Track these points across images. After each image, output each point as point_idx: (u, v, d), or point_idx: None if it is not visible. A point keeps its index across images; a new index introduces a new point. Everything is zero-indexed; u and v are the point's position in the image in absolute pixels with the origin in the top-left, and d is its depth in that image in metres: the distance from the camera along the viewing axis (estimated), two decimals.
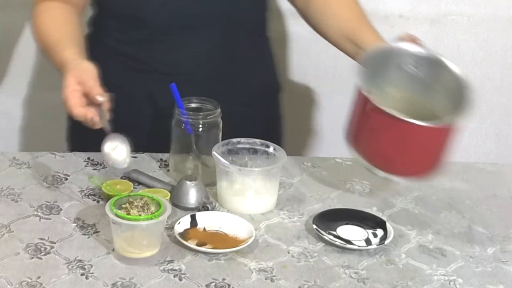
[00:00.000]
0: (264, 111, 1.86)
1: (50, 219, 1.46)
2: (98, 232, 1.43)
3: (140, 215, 1.34)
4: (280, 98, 1.92)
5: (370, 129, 1.45)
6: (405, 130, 1.40)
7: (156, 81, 1.70)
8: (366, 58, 1.50)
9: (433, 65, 1.53)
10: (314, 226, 1.45)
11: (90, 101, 1.45)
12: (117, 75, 1.72)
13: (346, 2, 1.74)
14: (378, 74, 1.49)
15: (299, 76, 2.33)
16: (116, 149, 1.46)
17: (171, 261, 1.36)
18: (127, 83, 1.73)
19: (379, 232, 1.46)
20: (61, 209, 1.50)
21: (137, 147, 1.70)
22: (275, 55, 1.91)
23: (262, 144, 1.58)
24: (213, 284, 1.31)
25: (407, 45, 1.54)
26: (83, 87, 1.45)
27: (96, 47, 1.74)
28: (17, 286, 1.28)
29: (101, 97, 1.44)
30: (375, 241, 1.44)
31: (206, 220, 1.45)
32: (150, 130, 1.76)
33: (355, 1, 1.75)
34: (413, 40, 1.55)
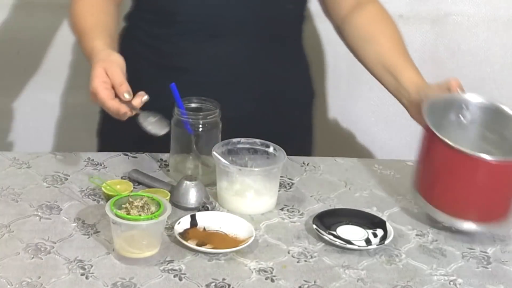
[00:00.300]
0: (296, 118, 1.84)
1: (50, 219, 1.46)
2: (98, 232, 1.43)
3: (140, 215, 1.34)
4: (313, 104, 1.91)
5: (446, 172, 1.44)
6: (482, 167, 1.41)
7: (174, 79, 1.70)
8: (426, 110, 1.48)
9: (488, 113, 1.53)
10: (314, 226, 1.45)
11: (116, 94, 1.44)
12: (141, 71, 1.71)
13: (387, 27, 1.72)
14: (435, 125, 1.48)
15: None
16: (153, 122, 1.47)
17: (171, 261, 1.36)
18: (151, 79, 1.71)
19: (379, 232, 1.46)
20: (61, 209, 1.50)
21: (137, 147, 1.70)
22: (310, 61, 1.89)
23: (262, 144, 1.58)
24: (213, 284, 1.31)
25: (463, 95, 1.54)
26: (111, 79, 1.44)
27: (127, 40, 1.75)
28: (17, 286, 1.28)
29: (128, 95, 1.44)
30: (375, 241, 1.44)
31: (206, 220, 1.45)
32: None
33: (394, 26, 1.73)
34: (461, 87, 1.55)
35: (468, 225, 1.45)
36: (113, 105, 1.43)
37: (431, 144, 1.47)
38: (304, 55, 1.86)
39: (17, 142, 2.40)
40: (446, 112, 1.53)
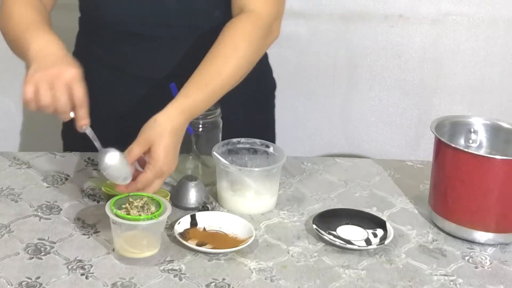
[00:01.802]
0: (255, 111, 1.82)
1: (50, 219, 1.46)
2: (98, 232, 1.43)
3: (140, 215, 1.34)
4: (274, 96, 1.89)
5: (461, 180, 1.44)
6: (494, 167, 1.41)
7: (132, 82, 1.69)
8: (435, 129, 1.50)
9: (496, 134, 1.55)
10: (314, 226, 1.45)
11: None
12: (97, 75, 1.70)
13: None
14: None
15: (299, 76, 2.33)
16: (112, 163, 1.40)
17: (171, 261, 1.36)
18: (107, 84, 1.71)
19: (379, 232, 1.46)
20: (61, 209, 1.50)
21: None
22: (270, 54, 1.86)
23: (262, 144, 1.58)
24: (213, 284, 1.31)
25: (469, 118, 1.56)
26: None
27: (79, 47, 1.76)
28: (17, 286, 1.28)
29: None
30: (375, 241, 1.44)
31: (206, 220, 1.45)
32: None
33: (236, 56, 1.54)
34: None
35: (488, 237, 1.45)
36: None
37: (443, 156, 1.47)
38: None
39: (17, 142, 2.40)
40: (454, 137, 1.54)
